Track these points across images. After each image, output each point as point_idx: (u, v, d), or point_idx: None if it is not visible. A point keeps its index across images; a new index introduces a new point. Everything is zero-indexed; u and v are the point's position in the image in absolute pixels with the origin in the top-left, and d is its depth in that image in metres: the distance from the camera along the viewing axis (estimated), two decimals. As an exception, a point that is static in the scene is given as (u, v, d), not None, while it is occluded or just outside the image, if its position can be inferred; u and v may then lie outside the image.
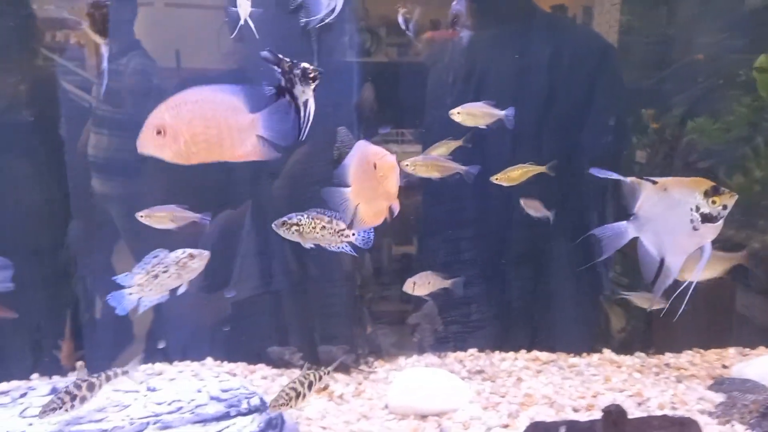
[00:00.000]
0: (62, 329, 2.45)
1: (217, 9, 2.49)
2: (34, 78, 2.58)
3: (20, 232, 2.44)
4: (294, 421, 1.90)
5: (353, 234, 1.73)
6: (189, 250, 1.77)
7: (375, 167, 1.48)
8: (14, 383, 2.26)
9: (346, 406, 2.03)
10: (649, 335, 2.62)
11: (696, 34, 2.74)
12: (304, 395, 1.69)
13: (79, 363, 2.43)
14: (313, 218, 1.73)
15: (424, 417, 1.92)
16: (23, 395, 1.93)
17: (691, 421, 1.74)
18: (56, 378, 2.33)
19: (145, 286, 1.66)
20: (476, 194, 2.44)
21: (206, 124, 1.65)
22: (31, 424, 1.71)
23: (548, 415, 1.92)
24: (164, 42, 2.49)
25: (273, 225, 1.73)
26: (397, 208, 1.59)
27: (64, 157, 2.49)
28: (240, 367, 2.35)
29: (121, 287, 1.71)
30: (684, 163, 2.64)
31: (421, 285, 2.22)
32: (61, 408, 1.65)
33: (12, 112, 2.55)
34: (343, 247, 1.76)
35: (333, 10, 1.93)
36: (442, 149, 2.26)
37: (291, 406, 1.65)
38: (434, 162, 2.17)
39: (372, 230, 1.73)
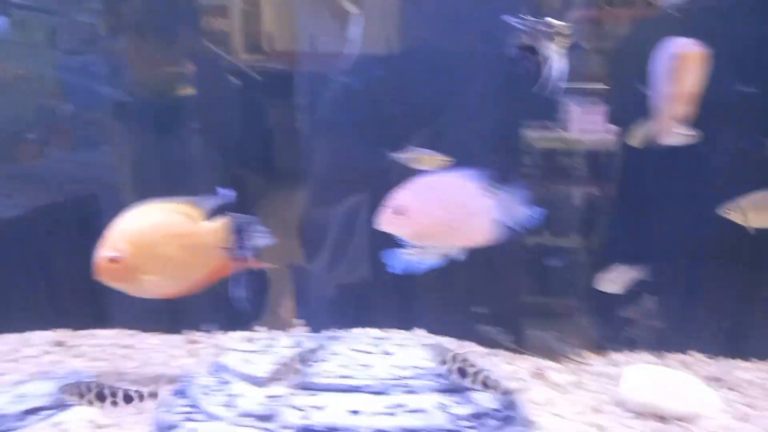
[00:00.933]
0: (285, 286, 2.66)
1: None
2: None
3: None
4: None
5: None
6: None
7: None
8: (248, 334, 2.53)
9: (570, 396, 2.00)
10: None
11: None
12: None
13: (298, 320, 2.63)
14: None
15: (663, 419, 1.84)
16: (270, 345, 2.14)
17: None
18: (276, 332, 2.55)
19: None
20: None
21: (446, 210, 1.71)
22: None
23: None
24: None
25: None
26: None
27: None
28: (448, 341, 2.41)
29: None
30: None
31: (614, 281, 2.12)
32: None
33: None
34: None
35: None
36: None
37: None
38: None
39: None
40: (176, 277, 1.95)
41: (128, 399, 1.66)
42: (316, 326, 2.50)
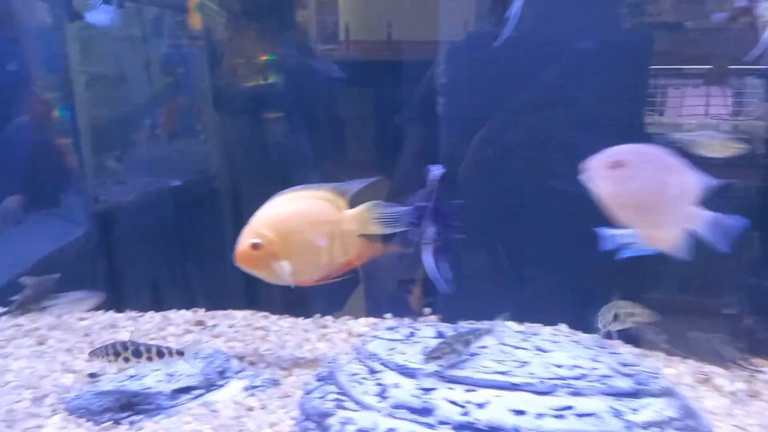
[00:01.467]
0: (415, 273, 2.60)
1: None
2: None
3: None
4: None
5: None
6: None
7: None
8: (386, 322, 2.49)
9: (744, 404, 1.82)
10: None
11: None
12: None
13: (427, 309, 2.57)
14: None
15: None
16: (412, 334, 2.08)
17: None
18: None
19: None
20: None
21: (657, 184, 1.56)
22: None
23: None
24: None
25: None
26: None
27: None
28: (594, 338, 2.26)
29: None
30: None
31: None
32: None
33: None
34: None
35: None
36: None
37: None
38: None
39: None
40: (316, 264, 1.96)
41: (161, 354, 1.84)
42: (446, 317, 2.42)
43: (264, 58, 3.15)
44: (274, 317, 2.56)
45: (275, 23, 3.12)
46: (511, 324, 2.27)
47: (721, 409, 1.76)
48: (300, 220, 1.91)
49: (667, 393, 1.67)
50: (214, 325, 2.46)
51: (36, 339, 2.33)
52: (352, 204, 1.99)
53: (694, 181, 1.50)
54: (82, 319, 2.56)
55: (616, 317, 2.12)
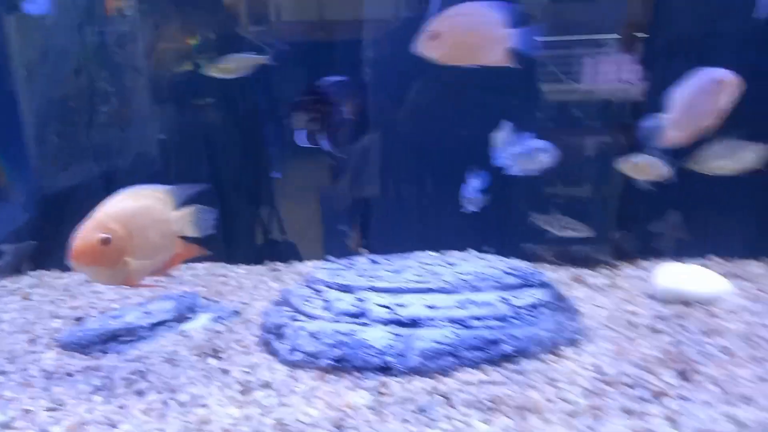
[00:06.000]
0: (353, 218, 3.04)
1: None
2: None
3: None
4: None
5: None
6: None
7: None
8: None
9: (607, 293, 2.37)
10: None
11: None
12: None
13: (364, 250, 3.01)
14: None
15: (687, 304, 2.20)
16: (351, 263, 2.51)
17: None
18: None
19: None
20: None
21: (470, 33, 2.03)
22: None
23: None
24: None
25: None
26: None
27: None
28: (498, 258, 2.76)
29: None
30: None
31: (642, 168, 2.38)
32: None
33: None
34: None
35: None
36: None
37: None
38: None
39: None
40: (150, 263, 1.93)
41: None
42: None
43: (192, 41, 3.28)
44: (231, 266, 2.95)
45: (204, 5, 3.32)
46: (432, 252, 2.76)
47: (587, 296, 2.31)
48: (144, 218, 1.88)
49: (544, 285, 2.20)
50: (179, 275, 2.82)
51: (21, 295, 2.65)
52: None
53: (502, 27, 2.03)
54: (59, 278, 2.87)
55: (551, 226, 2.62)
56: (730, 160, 2.22)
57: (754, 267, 2.56)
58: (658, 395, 1.69)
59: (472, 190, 2.40)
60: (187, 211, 2.01)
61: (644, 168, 2.30)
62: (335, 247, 3.04)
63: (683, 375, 1.79)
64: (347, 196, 3.06)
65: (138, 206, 1.88)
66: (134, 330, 2.28)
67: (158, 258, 1.94)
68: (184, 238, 2.02)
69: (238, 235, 3.23)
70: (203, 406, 1.75)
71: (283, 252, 3.07)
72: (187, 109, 3.30)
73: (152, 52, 3.35)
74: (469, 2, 2.09)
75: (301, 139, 2.35)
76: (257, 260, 2.95)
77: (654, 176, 2.27)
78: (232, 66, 2.75)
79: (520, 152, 2.26)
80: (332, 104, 2.34)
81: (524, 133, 2.31)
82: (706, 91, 1.84)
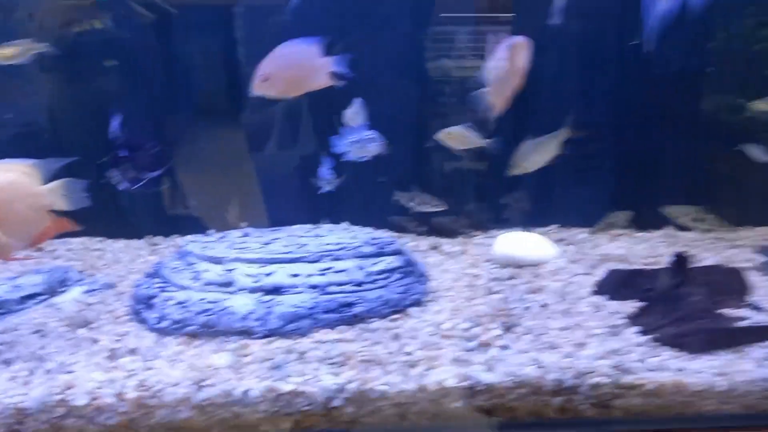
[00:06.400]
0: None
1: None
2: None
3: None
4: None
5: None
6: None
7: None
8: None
9: (457, 259, 2.67)
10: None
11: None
12: None
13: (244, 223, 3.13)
14: None
15: (520, 266, 2.54)
16: (222, 237, 2.64)
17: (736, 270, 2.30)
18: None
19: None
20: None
21: (296, 68, 2.39)
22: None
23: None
24: None
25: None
26: None
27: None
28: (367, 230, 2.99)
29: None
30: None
31: (456, 138, 2.70)
32: None
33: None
34: None
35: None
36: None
37: None
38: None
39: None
40: (19, 237, 1.94)
41: None
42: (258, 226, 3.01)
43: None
44: (109, 240, 2.99)
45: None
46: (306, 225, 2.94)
47: (439, 261, 2.60)
48: (9, 192, 1.89)
49: (397, 253, 2.44)
50: (53, 249, 2.83)
51: None
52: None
53: (320, 57, 2.38)
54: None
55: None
56: (537, 155, 2.58)
57: (581, 234, 2.98)
58: (484, 345, 1.98)
59: (326, 171, 2.65)
60: (57, 184, 2.02)
61: (459, 138, 2.63)
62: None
63: (507, 328, 2.09)
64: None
65: (3, 181, 1.88)
66: (2, 303, 2.31)
67: (27, 232, 1.95)
68: (59, 213, 2.02)
69: (125, 209, 3.25)
70: (69, 372, 1.84)
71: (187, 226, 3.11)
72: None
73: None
74: (288, 42, 2.40)
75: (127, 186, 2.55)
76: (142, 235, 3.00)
77: (468, 145, 2.62)
78: (8, 52, 2.71)
79: (353, 141, 2.52)
80: (130, 147, 2.53)
81: (360, 124, 2.57)
82: (507, 57, 2.15)
